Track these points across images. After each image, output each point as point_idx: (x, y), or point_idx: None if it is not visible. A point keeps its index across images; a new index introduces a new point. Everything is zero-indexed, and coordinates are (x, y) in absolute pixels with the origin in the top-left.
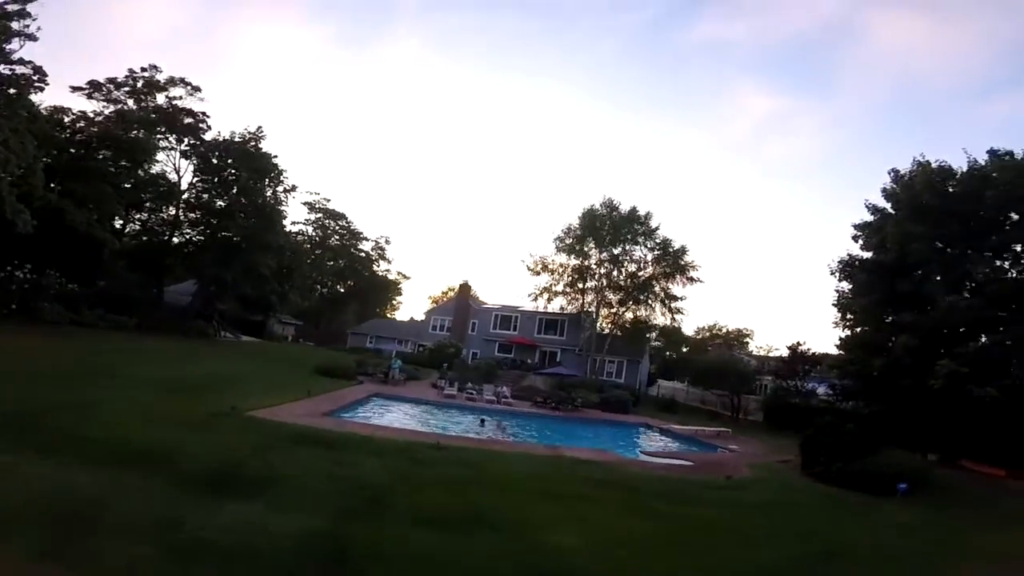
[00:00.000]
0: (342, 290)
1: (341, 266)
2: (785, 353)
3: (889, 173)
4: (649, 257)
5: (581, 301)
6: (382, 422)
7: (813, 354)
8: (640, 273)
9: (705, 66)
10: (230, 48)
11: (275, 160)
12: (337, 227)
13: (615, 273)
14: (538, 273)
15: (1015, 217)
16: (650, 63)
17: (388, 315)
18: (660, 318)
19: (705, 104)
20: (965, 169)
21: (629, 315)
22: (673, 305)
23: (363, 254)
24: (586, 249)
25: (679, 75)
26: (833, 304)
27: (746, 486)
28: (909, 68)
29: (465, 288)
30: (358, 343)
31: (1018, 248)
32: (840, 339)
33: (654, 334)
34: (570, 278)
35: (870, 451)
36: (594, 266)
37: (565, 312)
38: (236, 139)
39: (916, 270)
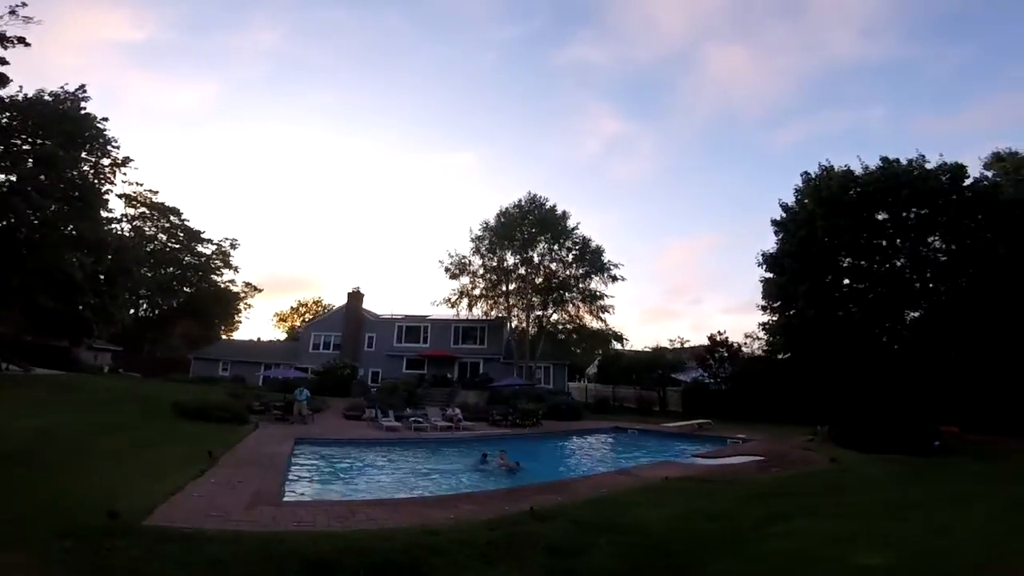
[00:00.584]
0: (174, 304)
1: (171, 275)
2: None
3: (801, 175)
4: (569, 257)
5: (506, 305)
6: (364, 489)
7: (730, 342)
8: (560, 274)
9: (570, 85)
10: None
11: (100, 125)
12: (167, 225)
13: (533, 276)
14: (456, 275)
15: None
16: (524, 78)
17: (226, 335)
18: (588, 318)
19: (566, 122)
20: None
21: (556, 316)
22: (599, 304)
23: (201, 259)
24: (501, 253)
25: (549, 91)
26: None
27: (838, 468)
28: (730, 96)
29: (356, 297)
30: (206, 371)
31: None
32: (766, 322)
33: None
34: (490, 281)
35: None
36: (512, 268)
37: (485, 318)
38: (46, 97)
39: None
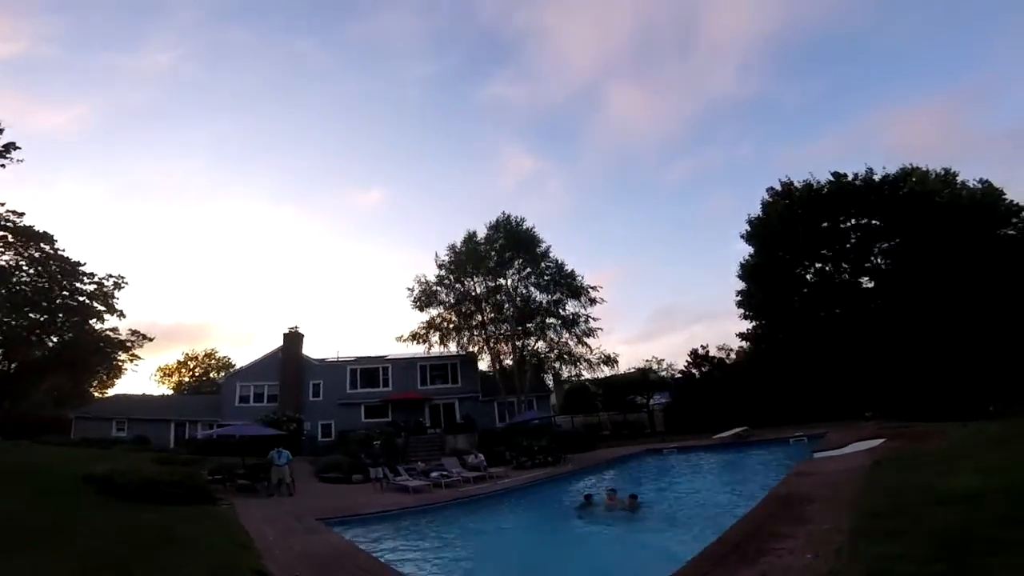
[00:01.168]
0: (43, 354)
1: (34, 321)
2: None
3: (767, 190)
4: (544, 280)
5: (482, 336)
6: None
7: (712, 356)
8: (536, 300)
9: (488, 123)
10: None
11: None
12: (35, 256)
13: (509, 303)
14: (424, 307)
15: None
16: (440, 114)
17: (99, 392)
18: (572, 343)
19: (481, 160)
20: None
21: (540, 345)
22: (582, 328)
23: (78, 300)
24: (473, 280)
25: (466, 129)
26: (739, 303)
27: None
28: (630, 134)
29: (293, 339)
30: (95, 431)
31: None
32: (746, 331)
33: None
34: (462, 312)
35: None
36: (484, 296)
37: (456, 354)
38: None
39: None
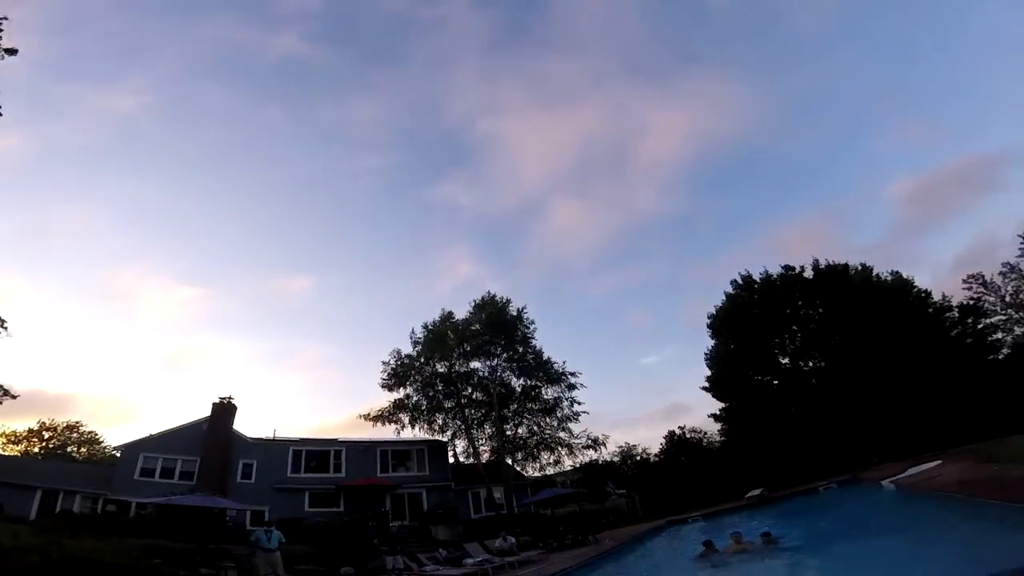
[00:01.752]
0: None
1: None
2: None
3: (732, 282)
4: (519, 367)
5: (461, 419)
6: None
7: (689, 438)
8: (516, 385)
9: (438, 223)
10: None
11: None
12: None
13: (490, 387)
14: (395, 386)
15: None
16: (390, 209)
17: None
18: (552, 430)
19: (425, 259)
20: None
21: (521, 431)
22: (564, 412)
23: None
24: (444, 362)
25: (414, 224)
26: (707, 388)
27: None
28: (566, 246)
29: (224, 410)
30: None
31: None
32: (718, 411)
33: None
34: (434, 392)
35: None
36: (459, 377)
37: (425, 439)
38: None
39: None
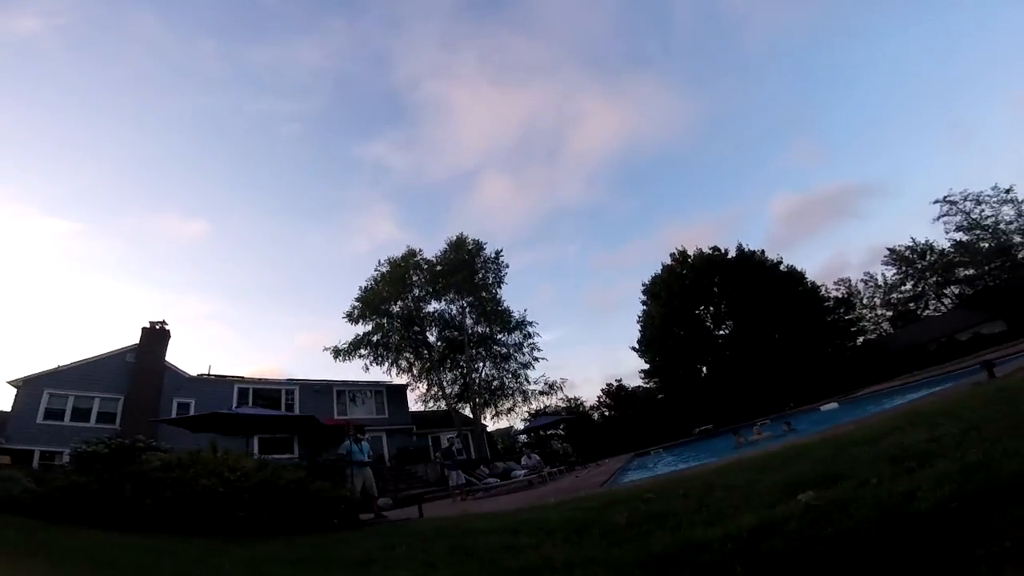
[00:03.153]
0: None
1: None
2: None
3: (670, 255)
4: (474, 313)
5: (427, 360)
6: None
7: (629, 388)
8: (472, 331)
9: (363, 180)
10: None
11: None
12: None
13: (436, 336)
14: (357, 319)
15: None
16: (318, 159)
17: None
18: (507, 379)
19: (347, 217)
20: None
21: (486, 374)
22: (519, 361)
23: None
24: (403, 300)
25: (343, 179)
26: (636, 348)
27: None
28: (490, 220)
29: (155, 337)
30: None
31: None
32: (648, 368)
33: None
34: (396, 331)
35: None
36: (426, 319)
37: (386, 381)
38: None
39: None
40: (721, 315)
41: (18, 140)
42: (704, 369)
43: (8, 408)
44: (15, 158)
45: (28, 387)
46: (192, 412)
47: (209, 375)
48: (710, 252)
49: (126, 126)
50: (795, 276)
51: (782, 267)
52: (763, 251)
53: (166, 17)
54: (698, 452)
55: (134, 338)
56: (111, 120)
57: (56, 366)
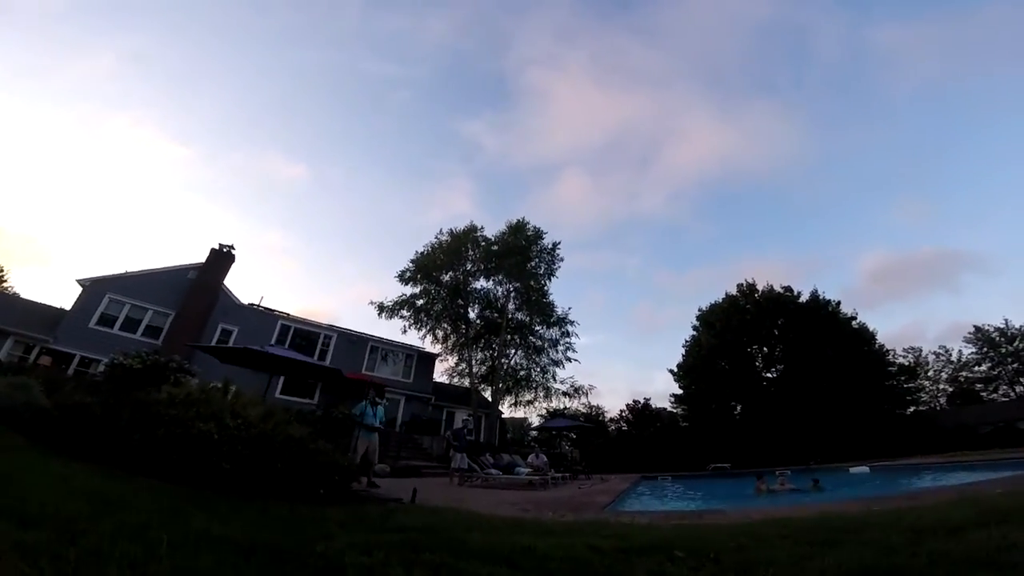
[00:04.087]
0: None
1: None
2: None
3: (738, 286)
4: (519, 299)
5: (458, 334)
6: None
7: (654, 408)
8: (514, 316)
9: (453, 155)
10: None
11: None
12: None
13: (477, 314)
14: (408, 280)
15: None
16: (416, 129)
17: None
18: (535, 372)
19: (429, 186)
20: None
21: (515, 361)
22: (551, 357)
23: None
24: (452, 273)
25: (435, 150)
26: (673, 372)
27: None
28: (560, 216)
29: (221, 260)
30: None
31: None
32: (680, 393)
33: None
34: (442, 300)
35: None
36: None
37: (416, 346)
38: None
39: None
40: (774, 358)
41: (167, 72)
42: (738, 407)
43: (69, 307)
44: (159, 86)
45: (93, 287)
46: (234, 339)
47: (258, 306)
48: (781, 291)
49: (258, 71)
50: (865, 335)
51: (854, 323)
52: (839, 303)
53: None
54: (710, 491)
55: (202, 257)
56: (247, 64)
57: (124, 271)
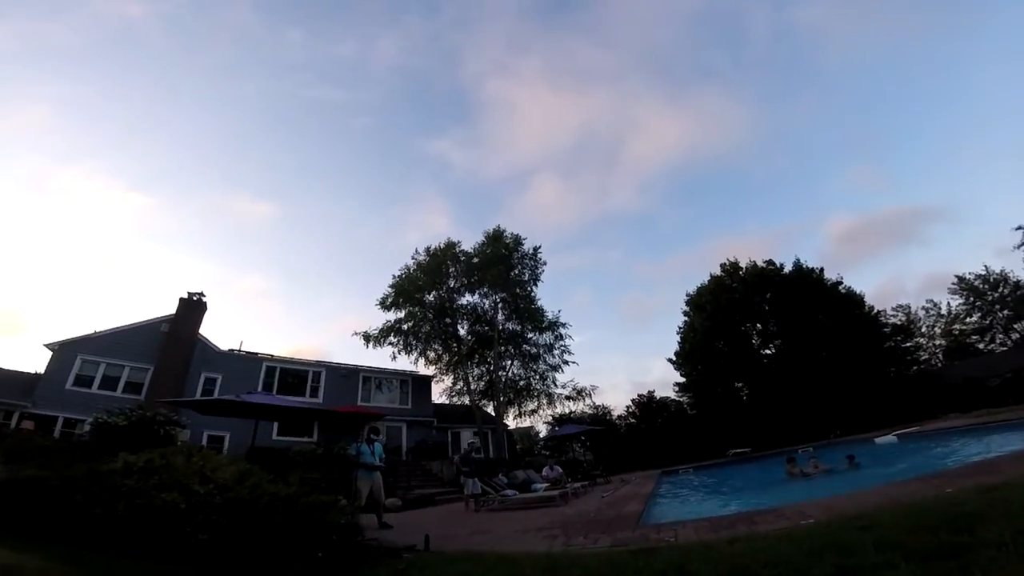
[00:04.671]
0: None
1: None
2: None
3: (721, 265)
4: (507, 309)
5: (449, 353)
6: None
7: (659, 399)
8: (504, 326)
9: (424, 176)
10: None
11: None
12: None
13: (466, 329)
14: (390, 306)
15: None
16: (384, 152)
17: None
18: (534, 380)
19: (404, 210)
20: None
21: (512, 373)
22: (548, 363)
23: None
24: (436, 291)
25: (405, 174)
26: (672, 360)
27: None
28: (536, 221)
29: (192, 309)
30: None
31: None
32: (683, 381)
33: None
34: (428, 321)
35: None
36: (457, 311)
37: (410, 371)
38: None
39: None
40: (769, 333)
41: (112, 118)
42: (744, 388)
43: (42, 371)
44: (106, 135)
45: (63, 351)
46: (219, 387)
47: (240, 351)
48: (764, 266)
49: (209, 110)
50: (854, 299)
51: (841, 288)
52: (822, 269)
53: (259, 3)
54: (736, 478)
55: (173, 309)
56: (196, 103)
57: (93, 331)
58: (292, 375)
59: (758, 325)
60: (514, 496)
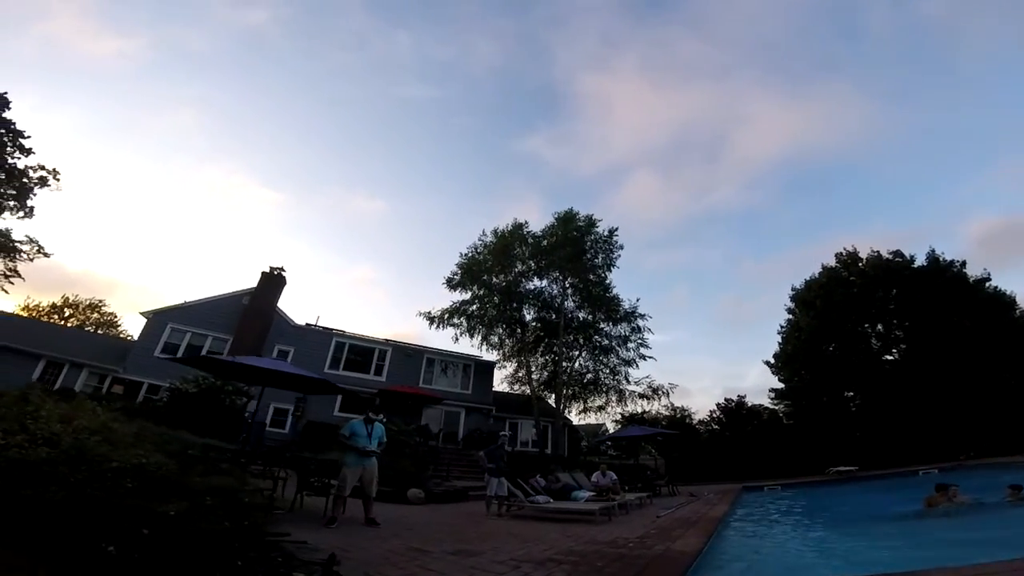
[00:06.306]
0: None
1: None
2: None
3: (835, 255)
4: (578, 296)
5: (514, 339)
6: None
7: (750, 405)
8: (574, 315)
9: (519, 173)
10: None
11: None
12: None
13: (533, 316)
14: (456, 286)
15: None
16: (478, 154)
17: None
18: (603, 374)
19: (500, 207)
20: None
21: (578, 364)
22: (621, 357)
23: None
24: (503, 275)
25: (501, 171)
26: (770, 363)
27: None
28: (631, 215)
29: (272, 283)
30: None
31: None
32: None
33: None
34: (495, 305)
35: None
36: (517, 292)
37: (473, 356)
38: None
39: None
40: (892, 336)
41: (244, 119)
42: (855, 397)
43: (136, 338)
44: (242, 135)
45: (155, 319)
46: (290, 359)
47: (315, 326)
48: (889, 257)
49: (324, 112)
50: (1004, 300)
51: (988, 287)
52: (964, 263)
53: (371, 7)
54: (844, 507)
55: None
56: (314, 105)
57: (183, 301)
58: (359, 351)
59: (879, 326)
60: (546, 502)
